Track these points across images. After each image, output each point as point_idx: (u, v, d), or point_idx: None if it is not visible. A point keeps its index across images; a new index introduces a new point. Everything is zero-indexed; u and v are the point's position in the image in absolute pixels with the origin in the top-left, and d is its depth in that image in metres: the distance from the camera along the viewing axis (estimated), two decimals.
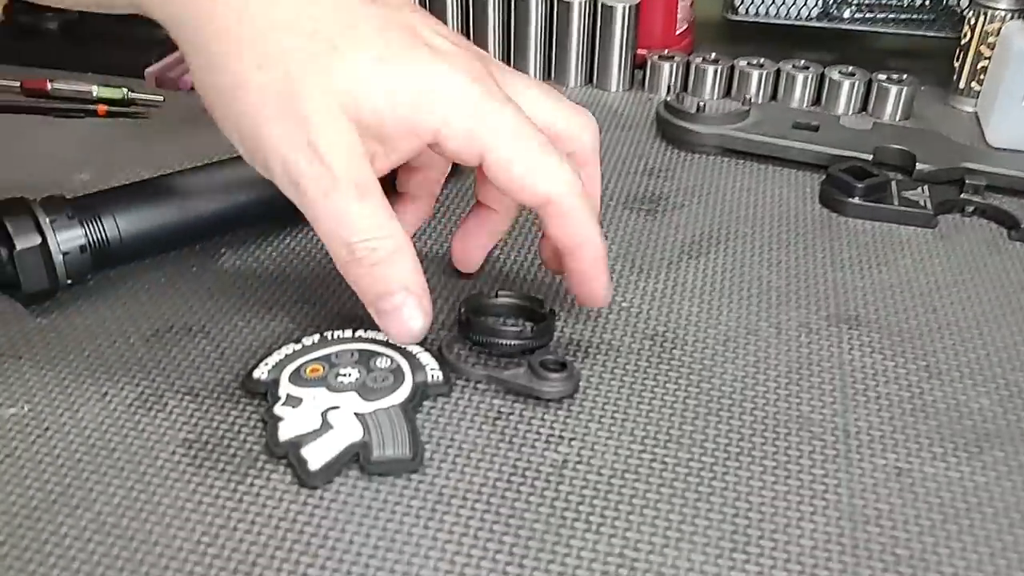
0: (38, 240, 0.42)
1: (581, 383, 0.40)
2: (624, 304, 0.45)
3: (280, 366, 0.40)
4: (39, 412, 0.38)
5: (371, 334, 0.41)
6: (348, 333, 0.41)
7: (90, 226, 0.44)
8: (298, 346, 0.41)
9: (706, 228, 0.52)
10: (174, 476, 0.35)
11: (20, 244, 0.42)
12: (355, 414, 0.37)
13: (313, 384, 0.38)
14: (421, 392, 0.39)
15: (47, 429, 0.37)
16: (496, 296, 0.43)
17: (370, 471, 0.35)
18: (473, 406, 0.39)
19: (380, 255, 0.36)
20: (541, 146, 0.37)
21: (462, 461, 0.36)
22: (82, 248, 0.44)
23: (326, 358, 0.40)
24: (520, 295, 0.44)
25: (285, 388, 0.38)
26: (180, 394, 0.39)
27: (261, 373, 0.39)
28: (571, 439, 0.37)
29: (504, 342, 0.40)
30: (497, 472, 0.36)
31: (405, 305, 0.37)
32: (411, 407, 0.38)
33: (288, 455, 0.36)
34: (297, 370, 0.39)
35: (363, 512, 0.34)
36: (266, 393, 0.39)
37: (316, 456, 0.35)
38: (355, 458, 0.36)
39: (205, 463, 0.36)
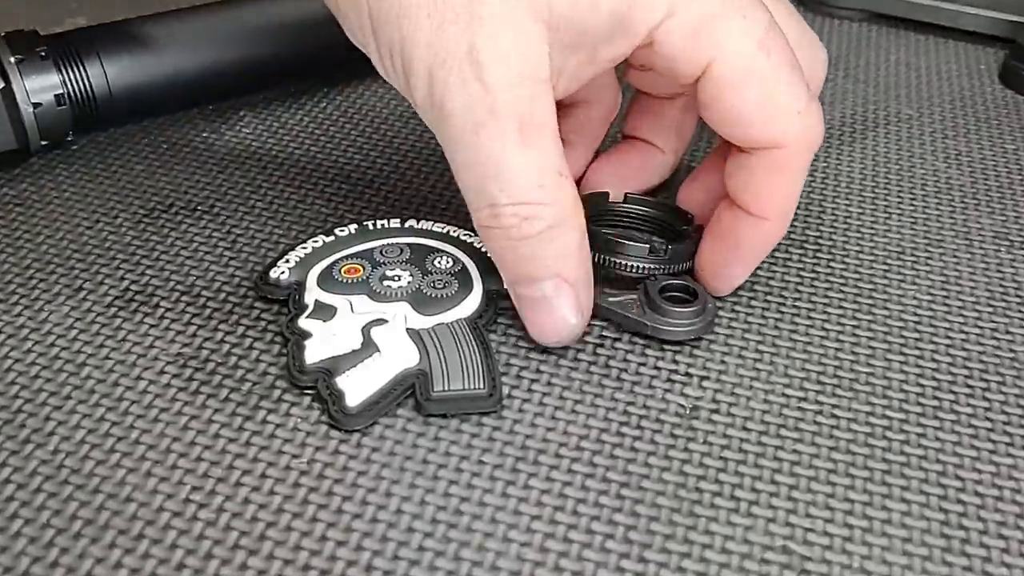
0: None
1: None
2: None
3: (306, 263, 0.29)
4: None
5: (427, 225, 0.31)
6: (396, 223, 0.31)
7: (70, 71, 0.34)
8: (330, 238, 0.31)
9: (859, 108, 0.40)
10: (160, 405, 0.26)
11: None
12: (408, 331, 0.27)
13: (351, 289, 0.28)
14: (495, 304, 0.29)
15: None
16: (624, 200, 0.32)
17: (429, 410, 0.25)
18: None
19: (534, 227, 0.25)
20: (792, 71, 0.26)
21: (552, 403, 0.26)
22: (59, 99, 0.34)
23: (367, 255, 0.30)
24: (656, 202, 0.32)
25: (313, 293, 0.28)
26: (176, 294, 0.29)
27: (281, 272, 0.29)
28: (702, 378, 0.27)
29: (624, 262, 0.29)
30: (602, 420, 0.26)
31: (556, 298, 0.26)
32: (483, 324, 0.28)
33: (317, 385, 0.26)
34: (329, 269, 0.29)
35: (416, 467, 0.24)
36: (288, 299, 0.29)
37: (356, 388, 0.25)
38: (407, 392, 0.26)
39: (202, 389, 0.26)
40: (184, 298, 0.29)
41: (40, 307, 0.29)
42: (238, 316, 0.29)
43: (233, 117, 0.38)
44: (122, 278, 0.30)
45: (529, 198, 0.25)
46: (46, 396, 0.26)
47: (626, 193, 0.32)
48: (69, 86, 0.34)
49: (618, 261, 0.29)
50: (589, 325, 0.28)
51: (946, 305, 0.30)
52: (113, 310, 0.29)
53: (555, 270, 0.26)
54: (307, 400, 0.26)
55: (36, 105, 0.33)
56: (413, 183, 0.35)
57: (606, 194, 0.32)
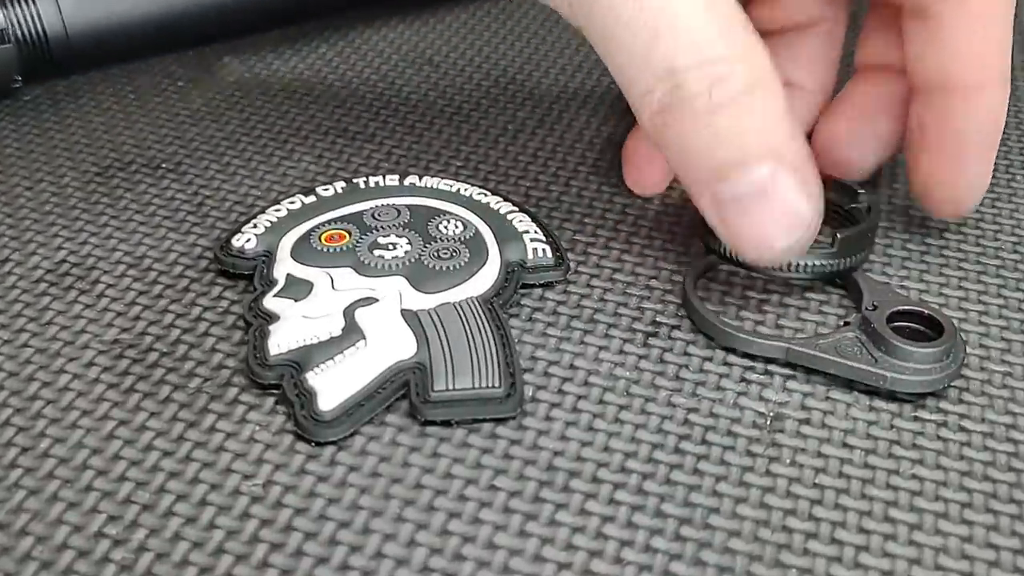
0: None
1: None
2: None
3: (279, 229, 0.23)
4: None
5: (433, 182, 0.25)
6: (394, 180, 0.25)
7: (16, 7, 0.29)
8: (311, 199, 0.24)
9: None
10: (81, 406, 0.20)
11: None
12: (404, 313, 0.21)
13: (333, 260, 0.22)
14: (517, 280, 0.23)
15: None
16: None
17: (427, 415, 0.19)
18: (608, 309, 0.22)
19: (729, 90, 0.19)
20: None
21: (590, 408, 0.20)
22: (3, 36, 0.28)
23: (356, 218, 0.24)
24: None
25: (285, 266, 0.22)
26: (121, 267, 0.23)
27: (247, 240, 0.23)
28: (787, 378, 0.20)
29: (795, 262, 0.22)
30: (654, 433, 0.19)
31: (776, 183, 0.19)
32: (500, 304, 0.22)
33: (283, 382, 0.20)
34: (307, 236, 0.23)
35: (405, 494, 0.18)
36: (255, 274, 0.23)
37: (332, 387, 0.19)
38: (400, 392, 0.20)
39: (138, 386, 0.20)
40: (131, 272, 0.24)
41: None
42: (194, 295, 0.23)
43: (215, 63, 0.32)
44: (58, 248, 0.24)
45: (717, 53, 0.19)
46: None
47: None
48: (14, 22, 0.28)
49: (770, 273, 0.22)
50: (641, 308, 0.22)
51: None
52: (42, 287, 0.23)
53: (767, 145, 0.19)
54: (270, 402, 0.20)
55: None
56: (423, 137, 0.28)
57: None
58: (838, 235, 0.21)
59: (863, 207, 0.23)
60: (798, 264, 0.21)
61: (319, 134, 0.29)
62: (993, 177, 0.26)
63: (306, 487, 0.18)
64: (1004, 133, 0.28)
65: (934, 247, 0.24)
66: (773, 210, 0.19)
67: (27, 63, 0.29)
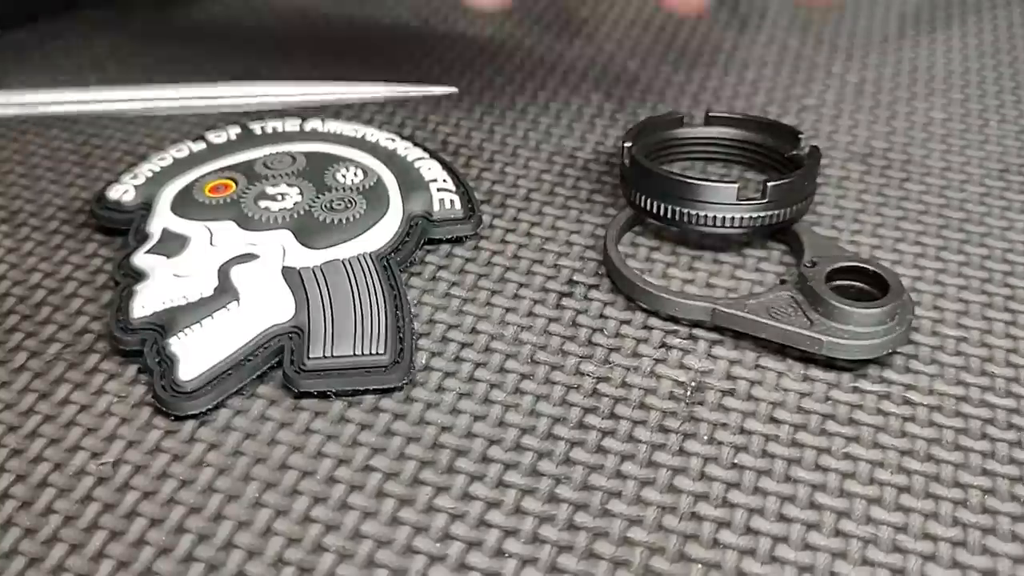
0: None
1: None
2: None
3: (160, 179, 0.21)
4: None
5: (337, 127, 0.22)
6: (295, 124, 0.22)
7: None
8: (200, 146, 0.22)
9: None
10: None
11: None
12: (284, 272, 0.19)
13: (215, 212, 0.20)
14: (420, 232, 0.20)
15: None
16: (705, 123, 0.22)
17: (301, 386, 0.17)
18: (520, 268, 0.20)
19: None
20: None
21: (488, 377, 0.17)
22: None
23: (246, 167, 0.21)
24: (752, 120, 0.22)
25: (162, 219, 0.20)
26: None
27: (125, 191, 0.21)
28: (713, 342, 0.18)
29: (707, 214, 0.19)
30: (558, 405, 0.17)
31: None
32: (399, 260, 0.19)
33: (144, 347, 0.18)
34: (189, 187, 0.21)
35: (267, 475, 0.16)
36: (127, 228, 0.21)
37: (195, 354, 0.17)
38: (275, 359, 0.18)
39: None
40: (2, 228, 0.22)
41: None
42: (67, 252, 0.20)
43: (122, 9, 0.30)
44: None
45: None
46: None
47: (708, 111, 0.22)
48: None
49: (696, 214, 0.19)
50: (557, 266, 0.20)
51: None
52: None
53: None
54: (132, 371, 0.18)
55: None
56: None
57: (679, 118, 0.22)
58: (768, 184, 0.19)
59: (803, 153, 0.20)
60: (728, 217, 0.19)
61: (224, 77, 0.26)
62: (963, 122, 0.24)
63: (159, 467, 0.16)
64: (980, 74, 0.26)
65: (892, 198, 0.22)
66: None
67: None
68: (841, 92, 0.25)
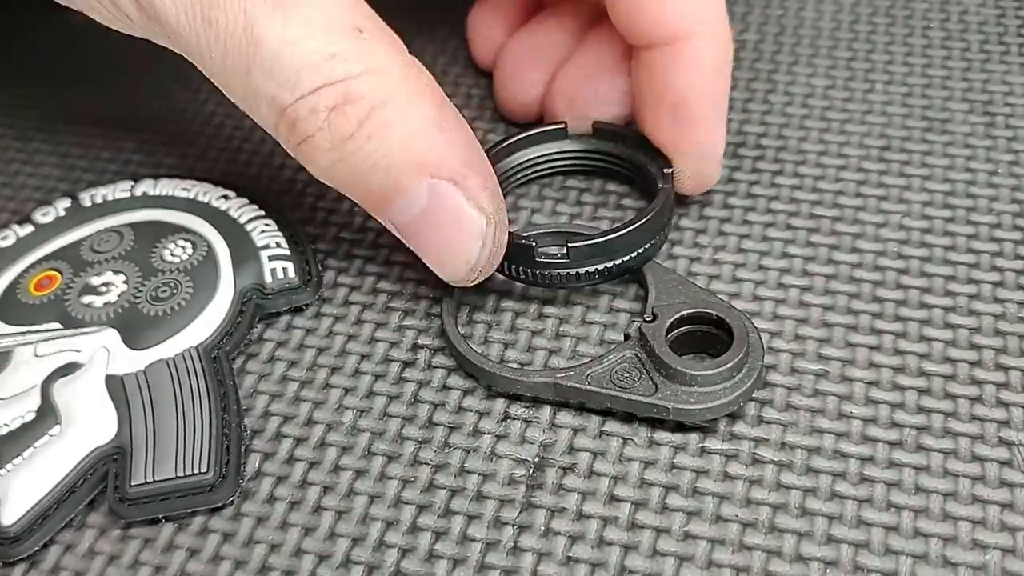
0: None
1: None
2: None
3: None
4: None
5: (169, 188, 0.20)
6: (126, 189, 0.21)
7: None
8: (27, 229, 0.20)
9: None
10: None
11: None
12: (108, 381, 0.18)
13: (39, 314, 0.18)
14: (253, 311, 0.19)
15: None
16: (592, 133, 0.20)
17: (126, 516, 0.16)
18: (361, 336, 0.18)
19: (353, 115, 0.15)
20: None
21: (324, 479, 0.16)
22: None
23: (72, 252, 0.20)
24: (630, 134, 0.20)
25: None
26: None
27: None
28: (559, 407, 0.17)
29: (540, 272, 0.18)
30: (391, 507, 0.16)
31: (440, 203, 0.16)
32: (225, 351, 0.18)
33: None
34: (13, 287, 0.19)
35: None
36: None
37: (18, 494, 0.16)
38: (101, 481, 0.17)
39: None
40: None
41: None
42: None
43: None
44: None
45: (323, 77, 0.15)
46: None
47: (594, 122, 0.20)
48: None
49: (519, 268, 0.18)
50: (402, 328, 0.18)
51: (948, 236, 0.19)
52: None
53: (417, 166, 0.16)
54: None
55: None
56: (168, 136, 0.23)
57: (562, 128, 0.20)
58: (569, 245, 0.17)
59: (668, 182, 0.18)
60: (545, 275, 0.17)
61: (55, 141, 0.24)
62: (847, 88, 0.21)
63: None
64: (870, 22, 0.23)
65: (761, 199, 0.20)
66: (446, 230, 0.16)
67: None
68: None
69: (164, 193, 0.21)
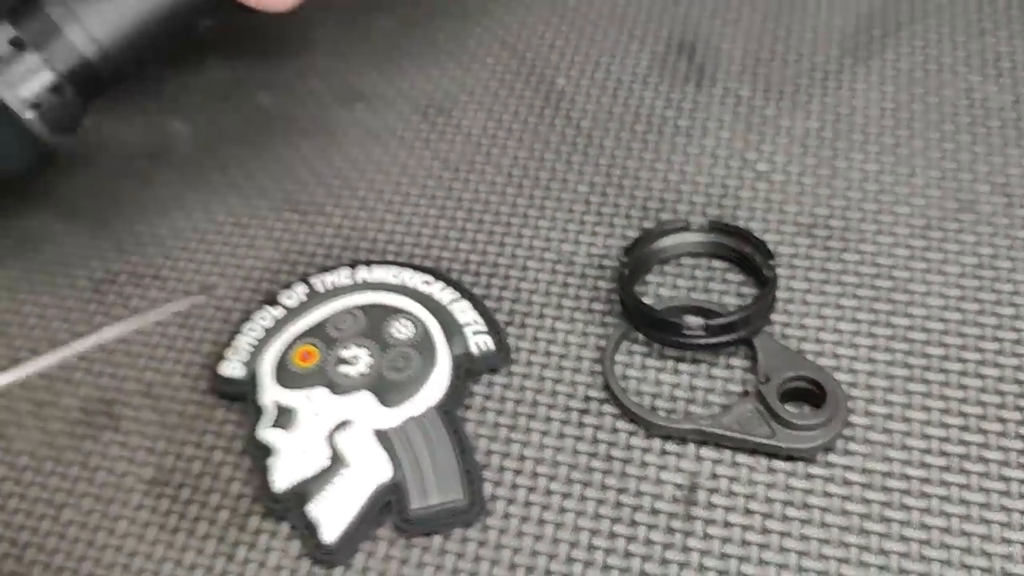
0: None
1: None
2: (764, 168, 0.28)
3: (259, 351, 0.26)
4: None
5: (380, 274, 0.27)
6: (347, 275, 0.27)
7: (54, 49, 0.27)
8: (277, 310, 0.26)
9: (875, 6, 0.32)
10: (140, 549, 0.23)
11: None
12: (376, 433, 0.24)
13: (308, 380, 0.25)
14: (464, 376, 0.25)
15: None
16: (709, 228, 0.26)
17: (408, 531, 0.23)
18: (546, 389, 0.25)
19: None
20: None
21: (539, 501, 0.23)
22: (56, 89, 0.27)
23: (320, 331, 0.26)
24: (742, 232, 0.26)
25: (270, 393, 0.25)
26: (138, 396, 0.26)
27: (233, 368, 0.26)
28: (701, 443, 0.23)
29: (701, 340, 0.24)
30: (593, 518, 0.22)
31: None
32: (454, 407, 0.24)
33: (290, 515, 0.23)
34: (283, 358, 0.26)
35: None
36: (246, 396, 0.26)
37: (332, 517, 0.23)
38: (384, 508, 0.23)
39: (182, 525, 0.24)
40: (146, 402, 0.27)
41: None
42: (203, 421, 0.26)
43: (168, 129, 0.33)
44: (79, 384, 0.27)
45: None
46: (27, 535, 0.24)
47: (711, 221, 0.26)
48: (60, 67, 0.27)
49: (666, 337, 0.24)
50: (574, 384, 0.24)
51: (977, 302, 0.25)
52: (80, 429, 0.26)
53: None
54: (285, 529, 0.24)
55: (35, 107, 0.27)
56: (359, 220, 0.29)
57: (685, 223, 0.26)
58: (708, 323, 0.24)
59: (771, 276, 0.24)
60: (691, 343, 0.24)
61: (274, 218, 0.30)
62: (893, 173, 0.27)
63: None
64: (909, 109, 0.28)
65: (833, 272, 0.26)
66: None
67: (80, 89, 0.28)
68: (788, 150, 0.29)
69: (378, 279, 0.27)
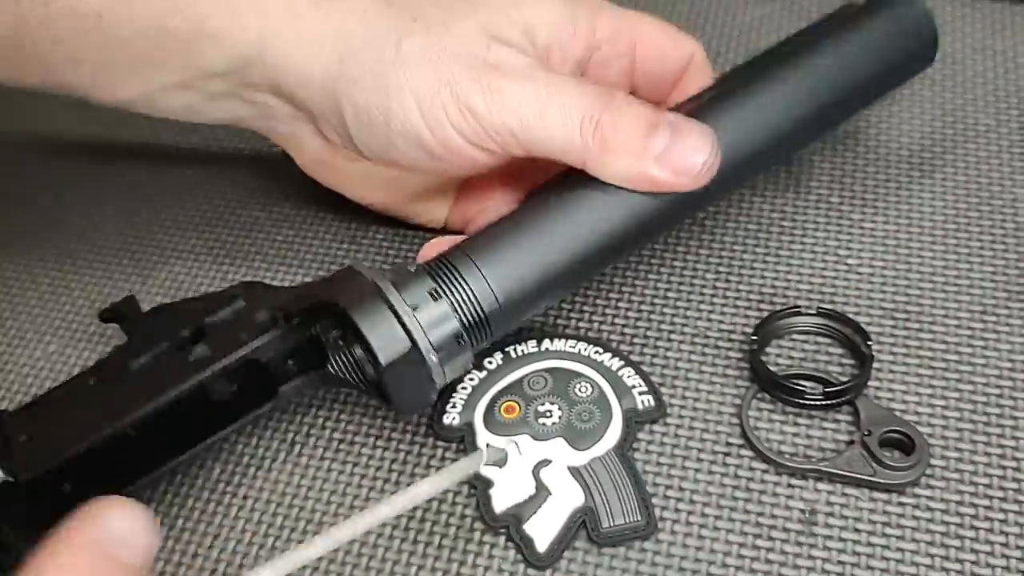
0: (405, 345, 0.29)
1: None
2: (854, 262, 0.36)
3: (470, 404, 0.34)
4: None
5: (561, 345, 0.34)
6: (534, 345, 0.35)
7: (458, 295, 0.30)
8: (483, 373, 0.34)
9: (935, 125, 0.39)
10: (389, 556, 0.31)
11: (384, 355, 0.28)
12: (569, 469, 0.32)
13: (513, 429, 0.32)
14: (633, 425, 0.33)
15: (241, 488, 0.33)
16: (815, 313, 0.34)
17: (601, 543, 0.30)
18: (696, 436, 0.32)
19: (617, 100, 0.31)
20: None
21: (697, 520, 0.30)
22: (459, 338, 0.30)
23: (518, 387, 0.34)
24: (843, 317, 0.33)
25: (483, 437, 0.33)
26: (371, 437, 0.34)
27: (452, 418, 0.33)
28: (818, 478, 0.30)
29: (819, 401, 0.31)
30: (739, 535, 0.30)
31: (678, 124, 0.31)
32: (627, 450, 0.32)
33: (509, 530, 0.31)
34: (491, 409, 0.34)
35: None
36: (462, 440, 0.34)
37: (541, 532, 0.30)
38: (580, 526, 0.31)
39: (419, 538, 0.31)
40: (378, 442, 0.34)
41: (263, 464, 0.34)
42: (426, 458, 0.33)
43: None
44: (323, 426, 0.35)
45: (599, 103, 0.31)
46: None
47: (818, 306, 0.34)
48: (464, 320, 0.30)
49: (793, 400, 0.32)
50: (712, 430, 0.32)
51: None
52: (323, 458, 0.34)
53: (649, 120, 0.30)
54: (502, 541, 0.31)
55: (439, 351, 0.29)
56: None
57: (798, 308, 0.34)
58: (826, 390, 0.31)
59: (868, 354, 0.32)
60: (813, 399, 0.32)
61: None
62: (956, 268, 0.34)
63: None
64: (966, 215, 0.36)
65: (912, 347, 0.33)
66: (689, 141, 0.31)
67: (472, 340, 0.31)
68: (872, 248, 0.36)
69: (559, 348, 0.35)
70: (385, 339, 0.28)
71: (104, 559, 0.22)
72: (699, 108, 0.33)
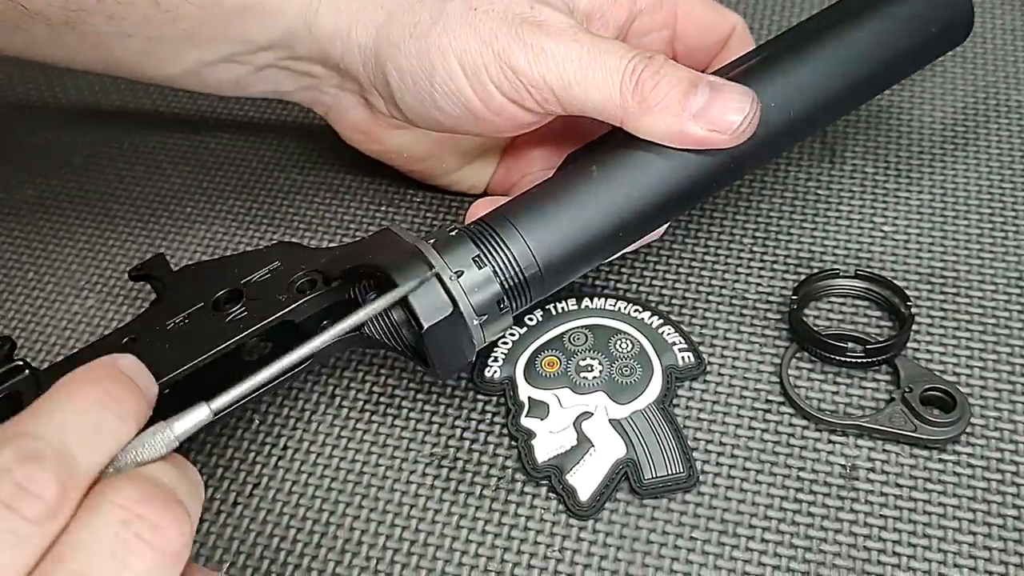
0: (448, 310, 0.28)
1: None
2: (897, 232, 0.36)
3: (511, 358, 0.33)
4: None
5: (601, 303, 0.34)
6: (574, 303, 0.35)
7: (499, 260, 0.29)
8: (523, 329, 0.34)
9: (973, 98, 0.39)
10: (432, 507, 0.30)
11: (426, 318, 0.28)
12: (611, 422, 0.32)
13: (554, 383, 0.32)
14: (673, 381, 0.32)
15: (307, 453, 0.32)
16: (853, 275, 0.34)
17: (643, 495, 0.30)
18: (735, 393, 0.32)
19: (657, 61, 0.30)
20: None
21: (738, 475, 0.30)
22: (500, 303, 0.29)
23: (559, 343, 0.33)
24: (883, 280, 0.33)
25: (525, 390, 0.32)
26: (412, 391, 0.34)
27: (494, 371, 0.33)
28: (859, 435, 0.30)
29: (860, 359, 0.31)
30: (780, 489, 0.30)
31: (717, 84, 0.30)
32: (668, 404, 0.32)
33: (551, 480, 0.31)
34: (532, 363, 0.33)
35: (643, 548, 0.29)
36: (503, 393, 0.33)
37: (584, 483, 0.30)
38: (622, 477, 0.31)
39: (461, 488, 0.31)
40: (420, 396, 0.34)
41: (303, 416, 0.34)
42: (467, 411, 0.33)
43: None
44: (363, 381, 0.35)
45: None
46: (343, 506, 0.31)
47: (856, 269, 0.34)
48: (506, 284, 0.29)
49: (831, 357, 0.32)
50: (752, 387, 0.32)
51: None
52: (367, 416, 0.34)
53: (689, 79, 0.30)
54: (543, 491, 0.31)
55: (482, 316, 0.29)
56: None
57: (836, 272, 0.34)
58: (868, 347, 0.31)
59: (906, 314, 0.32)
60: (855, 361, 0.31)
61: None
62: (991, 236, 0.34)
63: (584, 549, 0.30)
64: (1000, 187, 0.36)
65: (949, 311, 0.33)
66: (730, 97, 0.30)
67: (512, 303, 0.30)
68: (908, 216, 0.36)
69: (599, 306, 0.34)
70: (428, 302, 0.28)
71: (119, 374, 0.22)
72: (737, 75, 0.33)
